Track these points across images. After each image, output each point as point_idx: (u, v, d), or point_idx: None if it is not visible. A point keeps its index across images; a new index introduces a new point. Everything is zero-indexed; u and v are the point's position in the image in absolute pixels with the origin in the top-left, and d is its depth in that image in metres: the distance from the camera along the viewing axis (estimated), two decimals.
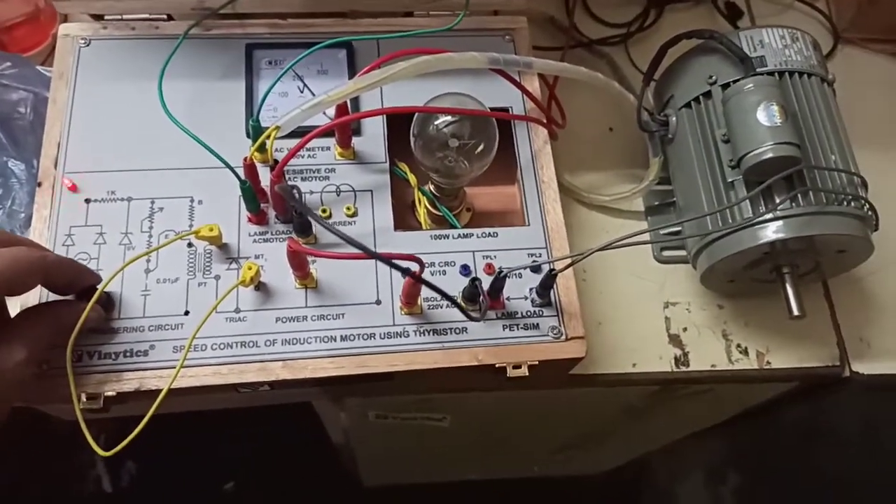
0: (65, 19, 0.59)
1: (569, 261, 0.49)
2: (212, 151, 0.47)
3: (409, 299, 0.49)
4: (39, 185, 0.51)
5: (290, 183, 0.51)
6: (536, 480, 1.31)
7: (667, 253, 0.66)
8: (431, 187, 0.59)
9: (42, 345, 0.43)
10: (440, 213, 0.58)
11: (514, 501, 1.33)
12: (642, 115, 0.62)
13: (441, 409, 0.70)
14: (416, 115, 0.53)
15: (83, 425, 0.43)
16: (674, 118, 0.62)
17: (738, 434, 1.09)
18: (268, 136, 0.49)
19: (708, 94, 0.58)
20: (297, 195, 0.46)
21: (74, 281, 0.46)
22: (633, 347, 0.63)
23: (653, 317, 0.64)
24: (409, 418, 0.70)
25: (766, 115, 0.52)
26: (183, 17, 0.59)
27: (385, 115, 0.58)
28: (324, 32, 0.60)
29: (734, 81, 0.56)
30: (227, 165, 0.47)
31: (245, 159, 0.49)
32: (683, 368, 0.63)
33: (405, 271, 0.42)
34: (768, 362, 0.64)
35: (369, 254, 0.39)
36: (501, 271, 0.48)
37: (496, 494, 1.30)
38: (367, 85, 0.48)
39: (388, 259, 0.41)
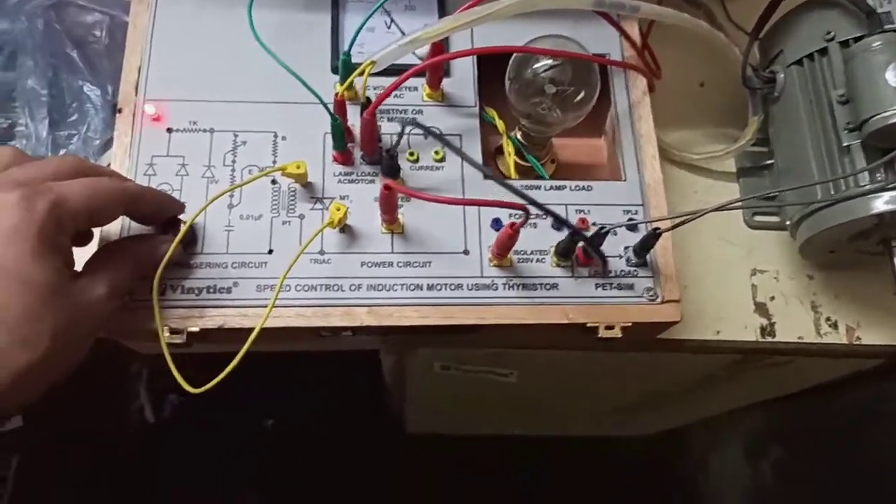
0: None
1: (673, 221, 0.46)
2: (306, 85, 0.44)
3: (503, 251, 0.47)
4: (119, 111, 0.49)
5: (393, 148, 0.48)
6: (574, 440, 1.30)
7: (759, 218, 0.62)
8: (519, 135, 0.55)
9: (125, 279, 0.41)
10: (527, 164, 0.55)
11: (547, 458, 1.33)
12: (746, 70, 0.58)
13: (509, 365, 0.69)
14: (513, 57, 0.50)
15: (169, 359, 0.41)
16: (781, 75, 0.57)
17: (789, 408, 1.06)
18: (361, 72, 0.45)
19: (824, 51, 0.54)
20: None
21: (158, 211, 0.45)
22: (718, 314, 0.60)
23: (739, 283, 0.61)
24: (475, 371, 0.68)
25: None
26: None
27: (476, 56, 0.54)
28: None
29: (856, 39, 0.52)
30: (320, 100, 0.44)
31: (336, 95, 0.46)
32: (769, 339, 0.60)
33: (575, 232, 0.40)
34: (858, 338, 0.61)
35: (529, 201, 0.36)
36: (603, 227, 0.45)
37: (533, 451, 1.30)
38: (468, 21, 0.45)
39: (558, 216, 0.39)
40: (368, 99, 0.47)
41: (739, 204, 0.62)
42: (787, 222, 0.57)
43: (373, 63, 0.45)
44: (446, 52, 0.50)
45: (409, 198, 0.49)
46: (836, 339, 0.60)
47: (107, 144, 0.54)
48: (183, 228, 0.43)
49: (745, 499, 1.25)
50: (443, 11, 0.55)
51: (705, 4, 0.69)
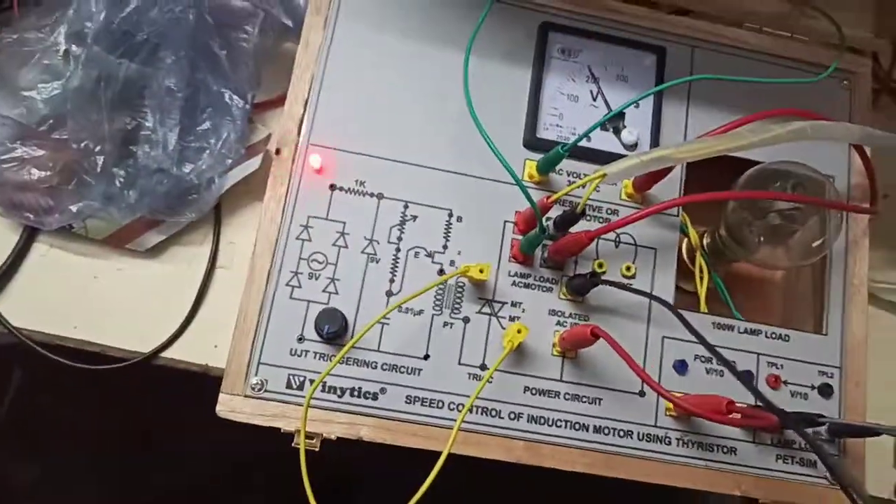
0: None
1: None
2: (522, 187, 0.36)
3: (574, 347, 0.40)
4: (277, 152, 0.41)
5: (595, 273, 0.41)
6: None
7: None
8: (707, 240, 0.48)
9: None
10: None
11: None
12: None
13: None
14: (750, 174, 0.42)
15: (303, 466, 0.35)
16: None
17: None
18: (590, 181, 0.37)
19: None
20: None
21: None
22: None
23: None
24: None
25: None
26: None
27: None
28: (631, 24, 0.47)
29: None
30: (533, 205, 0.37)
31: (546, 199, 0.39)
32: None
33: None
34: None
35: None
36: (822, 418, 0.39)
37: None
38: (726, 147, 0.37)
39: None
40: (583, 210, 0.39)
41: None
42: None
43: (603, 175, 0.37)
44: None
45: (587, 317, 0.42)
46: None
47: (235, 164, 0.46)
48: (347, 345, 0.37)
49: None
50: (658, 93, 0.46)
51: None
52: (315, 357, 0.39)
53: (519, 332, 0.38)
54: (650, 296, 0.37)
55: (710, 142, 0.36)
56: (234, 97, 0.46)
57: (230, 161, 0.47)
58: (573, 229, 0.40)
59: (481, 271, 0.39)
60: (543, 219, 0.40)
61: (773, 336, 0.44)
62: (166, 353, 0.47)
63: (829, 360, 0.44)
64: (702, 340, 0.34)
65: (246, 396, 0.38)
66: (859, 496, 0.30)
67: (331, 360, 0.39)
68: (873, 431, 0.39)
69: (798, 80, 0.43)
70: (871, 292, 0.55)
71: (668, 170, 0.41)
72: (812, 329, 0.46)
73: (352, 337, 0.40)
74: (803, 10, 0.47)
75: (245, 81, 0.47)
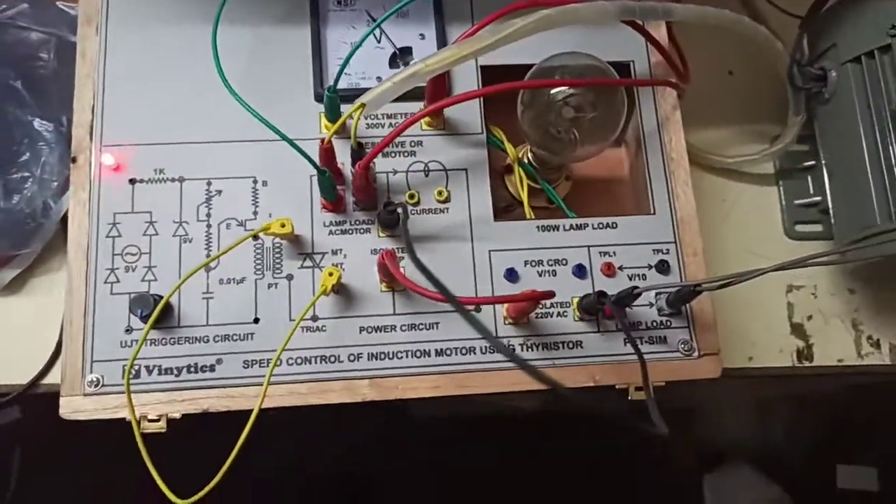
0: None
1: (718, 284, 0.39)
2: (285, 138, 0.37)
3: (520, 315, 0.41)
4: (74, 160, 0.42)
5: (398, 202, 0.41)
6: None
7: (801, 227, 0.55)
8: (530, 156, 0.48)
9: None
10: (538, 186, 0.48)
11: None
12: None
13: None
14: (526, 77, 0.42)
15: (145, 453, 0.36)
16: (833, 73, 0.49)
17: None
18: (350, 116, 0.38)
19: (887, 49, 0.46)
20: (404, 216, 0.36)
21: None
22: (751, 339, 0.54)
23: (774, 303, 0.55)
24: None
25: None
26: None
27: (479, 70, 0.46)
28: None
29: None
30: (305, 155, 0.37)
31: (322, 142, 0.39)
32: (806, 363, 0.54)
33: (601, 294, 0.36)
34: None
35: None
36: (636, 289, 0.39)
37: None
38: (472, 51, 0.37)
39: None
40: (360, 144, 0.40)
41: (779, 213, 0.55)
42: (837, 241, 0.51)
43: (363, 106, 0.37)
44: (448, 81, 0.43)
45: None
46: (879, 360, 0.55)
47: (65, 185, 0.47)
48: (157, 308, 0.37)
49: None
50: (440, 18, 0.46)
51: None
52: (147, 344, 0.40)
53: (331, 274, 0.39)
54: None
55: (453, 49, 0.37)
56: (44, 122, 0.47)
57: (56, 184, 0.47)
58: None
59: (283, 225, 0.39)
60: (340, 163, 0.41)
61: (601, 226, 0.44)
62: (46, 380, 0.48)
63: (661, 238, 0.45)
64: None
65: (85, 395, 0.39)
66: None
67: (165, 345, 0.40)
68: (692, 288, 0.39)
69: None
70: (733, 167, 0.56)
71: (441, 89, 0.41)
72: (640, 212, 0.46)
73: (179, 318, 0.40)
74: None
75: (55, 106, 0.48)
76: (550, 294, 0.37)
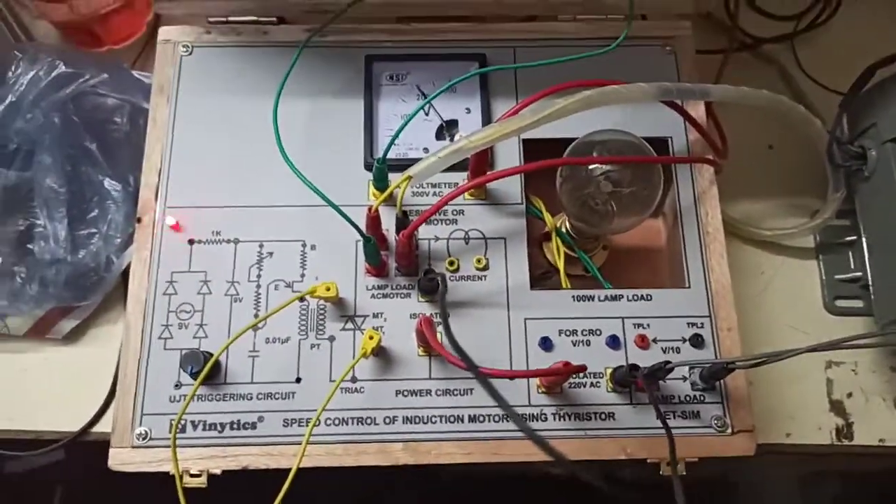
0: (158, 21, 0.51)
1: (750, 363, 0.39)
2: (334, 206, 0.38)
3: (553, 385, 0.41)
4: (139, 220, 0.45)
5: (432, 270, 0.43)
6: None
7: (841, 303, 0.55)
8: (567, 225, 0.49)
9: None
10: (575, 255, 0.49)
11: None
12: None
13: None
14: (566, 152, 0.44)
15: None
16: (873, 152, 0.49)
17: None
18: (397, 185, 0.40)
19: None
20: (442, 287, 0.38)
21: None
22: (788, 414, 0.53)
23: (812, 378, 0.54)
24: None
25: None
26: (295, 20, 0.50)
27: (521, 143, 0.48)
28: (452, 40, 0.50)
29: None
30: (351, 222, 0.39)
31: (369, 210, 0.41)
32: (846, 442, 0.53)
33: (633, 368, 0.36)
34: None
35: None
36: (668, 363, 0.39)
37: None
38: (514, 129, 0.39)
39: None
40: (405, 213, 0.42)
41: (819, 288, 0.54)
42: (879, 319, 0.50)
43: (409, 178, 0.39)
44: (490, 153, 0.45)
45: (447, 314, 0.44)
46: None
47: (128, 241, 0.50)
48: (206, 367, 0.39)
49: None
50: (485, 93, 0.49)
51: (777, 60, 0.61)
52: (196, 400, 0.41)
53: (371, 338, 0.40)
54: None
55: (496, 127, 0.38)
56: (114, 182, 0.50)
57: (119, 240, 0.50)
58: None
59: (328, 289, 0.41)
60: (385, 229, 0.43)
61: (636, 298, 0.45)
62: (96, 428, 0.50)
63: (696, 311, 0.45)
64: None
65: (133, 447, 0.40)
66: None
67: (211, 401, 0.42)
68: (724, 366, 0.39)
69: (591, 54, 0.45)
70: (772, 240, 0.56)
71: (484, 162, 0.43)
72: (675, 285, 0.46)
73: (225, 375, 0.42)
74: None
75: (125, 167, 0.52)
76: (582, 368, 0.37)
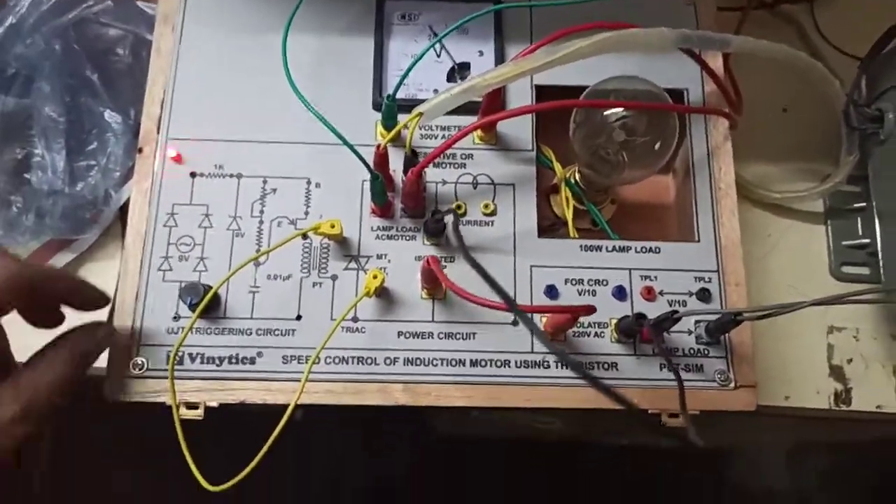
0: None
1: (759, 314, 0.38)
2: (344, 141, 0.37)
3: (557, 331, 0.40)
4: (140, 151, 0.43)
5: (445, 209, 0.41)
6: None
7: (847, 269, 0.54)
8: (577, 176, 0.48)
9: (45, 392, 0.32)
10: (584, 207, 0.48)
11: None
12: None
13: (553, 414, 0.63)
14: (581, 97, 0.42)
15: (182, 440, 0.36)
16: (891, 115, 0.48)
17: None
18: (405, 126, 0.38)
19: None
20: (456, 225, 0.37)
21: (67, 304, 0.35)
22: (788, 377, 0.52)
23: (813, 343, 0.53)
24: (515, 418, 0.63)
25: None
26: None
27: (534, 89, 0.46)
28: None
29: None
30: (361, 158, 0.38)
31: (378, 147, 0.39)
32: (843, 407, 0.52)
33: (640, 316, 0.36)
34: None
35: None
36: (676, 313, 0.38)
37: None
38: (530, 69, 0.37)
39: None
40: (413, 151, 0.40)
41: (826, 253, 0.53)
42: (885, 287, 0.49)
43: (420, 115, 0.38)
44: (503, 97, 0.43)
45: (453, 258, 0.43)
46: None
47: (127, 175, 0.49)
48: (205, 298, 0.38)
49: None
50: (499, 36, 0.47)
51: (797, 20, 0.59)
52: (193, 332, 0.40)
53: (375, 277, 0.39)
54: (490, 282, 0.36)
55: (511, 66, 0.37)
56: (114, 114, 0.49)
57: (118, 174, 0.49)
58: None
59: (332, 226, 0.40)
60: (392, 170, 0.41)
61: (644, 250, 0.44)
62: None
63: (704, 266, 0.44)
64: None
65: (129, 377, 0.40)
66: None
67: (210, 334, 0.40)
68: (732, 317, 0.38)
69: None
70: (781, 203, 0.55)
71: (496, 103, 0.41)
72: (684, 238, 0.45)
73: (225, 309, 0.41)
74: None
75: (126, 99, 0.50)
76: (591, 309, 0.36)
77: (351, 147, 0.37)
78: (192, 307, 0.39)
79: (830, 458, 1.04)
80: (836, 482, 1.05)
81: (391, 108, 0.41)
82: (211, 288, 0.38)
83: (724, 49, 0.43)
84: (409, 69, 0.41)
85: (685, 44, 0.40)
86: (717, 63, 0.47)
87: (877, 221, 0.51)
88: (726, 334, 0.42)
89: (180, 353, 0.40)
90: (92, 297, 0.35)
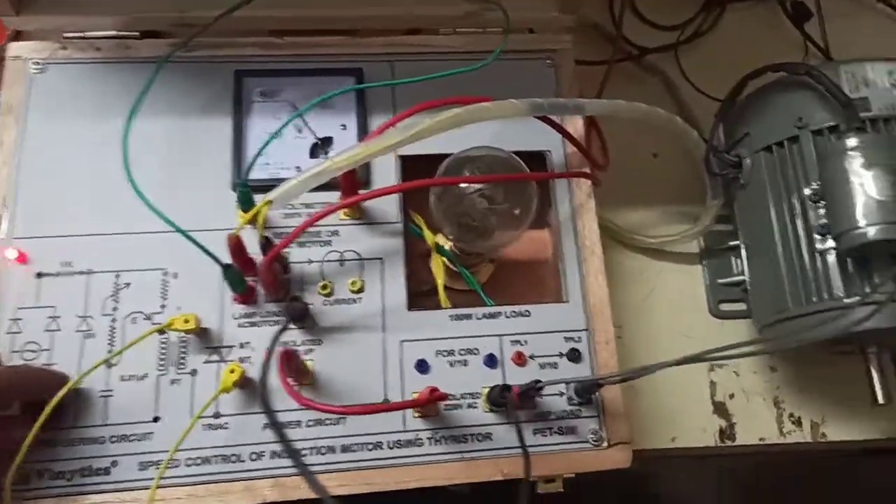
0: (16, 37, 0.44)
1: (619, 378, 0.36)
2: (182, 232, 0.34)
3: (427, 410, 0.37)
4: None
5: (298, 298, 0.38)
6: None
7: (725, 307, 0.53)
8: (450, 244, 0.46)
9: None
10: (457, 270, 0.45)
11: None
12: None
13: None
14: (438, 171, 0.40)
15: None
16: (748, 160, 0.47)
17: None
18: (257, 213, 0.35)
19: (794, 139, 0.44)
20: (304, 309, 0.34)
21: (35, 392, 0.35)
22: (673, 418, 0.51)
23: (696, 382, 0.52)
24: None
25: (877, 186, 0.38)
26: (161, 34, 0.44)
27: (398, 159, 0.44)
28: (328, 55, 0.45)
29: (831, 129, 0.42)
30: (203, 249, 0.34)
31: (229, 237, 0.36)
32: (728, 443, 0.51)
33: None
34: (824, 434, 0.52)
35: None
36: (539, 383, 0.36)
37: None
38: (381, 149, 0.35)
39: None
40: (267, 238, 0.37)
41: (704, 293, 0.52)
42: (756, 323, 0.48)
43: (269, 203, 0.35)
44: (366, 169, 0.40)
45: (320, 340, 0.39)
46: (800, 438, 0.52)
47: None
48: (46, 409, 0.33)
49: None
50: (362, 109, 0.44)
51: (662, 71, 0.58)
52: (41, 447, 0.36)
53: (232, 371, 0.36)
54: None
55: (361, 147, 0.34)
56: None
57: None
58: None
59: (186, 321, 0.36)
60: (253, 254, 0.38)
61: (514, 314, 0.42)
62: None
63: (573, 325, 0.42)
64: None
65: None
66: None
67: (57, 447, 0.36)
68: (595, 382, 0.36)
69: (468, 69, 0.41)
70: (658, 247, 0.54)
71: (352, 181, 0.39)
72: (554, 300, 0.43)
73: (74, 418, 0.36)
74: (487, 6, 0.46)
75: None
76: (443, 396, 0.34)
77: (192, 239, 0.34)
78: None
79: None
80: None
81: (246, 193, 0.38)
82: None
83: (578, 113, 0.41)
84: (263, 148, 0.38)
85: (537, 112, 0.39)
86: (576, 124, 0.46)
87: (744, 259, 0.50)
88: (597, 394, 0.39)
89: (24, 470, 0.35)
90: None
